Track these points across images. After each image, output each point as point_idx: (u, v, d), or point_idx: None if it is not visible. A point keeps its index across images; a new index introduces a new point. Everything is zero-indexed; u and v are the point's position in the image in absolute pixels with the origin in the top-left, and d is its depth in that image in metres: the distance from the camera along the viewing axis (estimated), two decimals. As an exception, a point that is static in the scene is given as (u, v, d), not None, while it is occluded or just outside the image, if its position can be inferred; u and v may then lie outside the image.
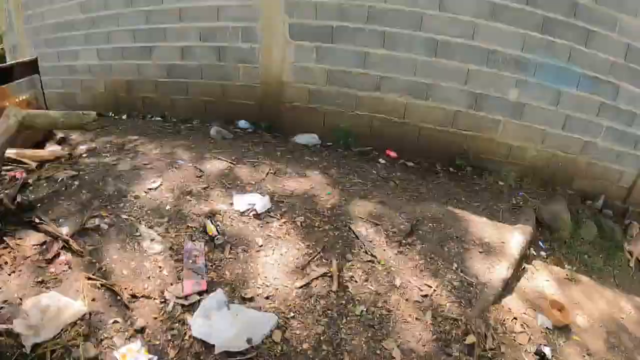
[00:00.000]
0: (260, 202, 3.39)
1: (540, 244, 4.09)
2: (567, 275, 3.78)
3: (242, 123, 5.36)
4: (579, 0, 4.24)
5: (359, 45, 4.82)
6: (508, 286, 3.34)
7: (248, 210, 3.34)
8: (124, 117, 6.23)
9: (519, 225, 3.92)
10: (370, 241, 3.31)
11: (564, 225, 4.28)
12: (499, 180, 4.73)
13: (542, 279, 3.66)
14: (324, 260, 3.06)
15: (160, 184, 3.52)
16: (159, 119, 5.98)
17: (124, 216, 3.13)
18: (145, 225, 3.08)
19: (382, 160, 4.78)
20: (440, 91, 4.78)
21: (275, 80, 5.26)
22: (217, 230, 3.09)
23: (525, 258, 3.73)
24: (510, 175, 4.78)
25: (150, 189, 3.45)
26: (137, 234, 3.00)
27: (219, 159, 4.03)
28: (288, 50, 5.07)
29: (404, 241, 3.37)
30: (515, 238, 3.72)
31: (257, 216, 3.32)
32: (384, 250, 3.26)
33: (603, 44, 4.36)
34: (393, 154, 4.92)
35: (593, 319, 3.37)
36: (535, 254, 3.93)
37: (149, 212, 3.21)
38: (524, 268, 3.68)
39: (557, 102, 4.61)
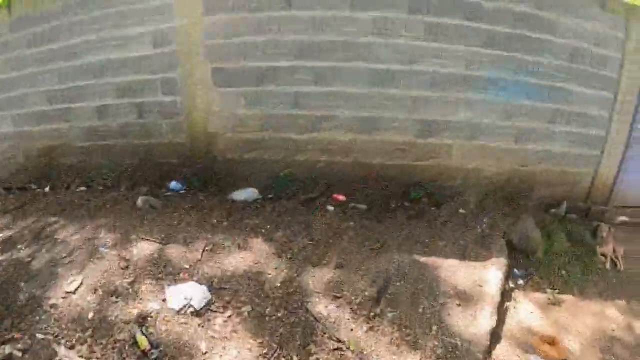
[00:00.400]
0: (197, 295, 2.89)
1: (516, 271, 3.90)
2: (549, 299, 3.65)
3: (173, 184, 4.81)
4: (520, 9, 4.20)
5: (291, 85, 4.44)
6: (495, 334, 3.10)
7: (185, 306, 2.83)
8: (47, 188, 5.59)
9: (492, 259, 3.66)
10: (334, 322, 2.87)
11: (536, 245, 4.15)
12: (459, 207, 4.45)
13: (525, 311, 3.53)
14: (282, 359, 2.61)
15: (81, 283, 3.02)
16: (84, 188, 5.36)
17: (39, 335, 2.64)
18: (66, 345, 2.61)
19: (330, 207, 4.34)
20: (386, 123, 4.50)
21: (202, 132, 4.78)
22: (149, 342, 2.59)
23: (505, 294, 3.52)
24: (470, 199, 4.57)
25: (69, 292, 2.95)
26: (57, 358, 2.52)
27: (146, 239, 3.49)
28: (213, 98, 4.61)
29: (371, 313, 2.95)
30: (492, 276, 3.46)
31: (196, 313, 2.81)
32: (351, 329, 2.83)
33: (548, 50, 4.33)
34: (341, 197, 4.52)
35: (585, 340, 3.29)
36: (512, 285, 3.74)
37: (68, 324, 2.73)
38: (506, 307, 3.46)
39: (508, 115, 4.52)
